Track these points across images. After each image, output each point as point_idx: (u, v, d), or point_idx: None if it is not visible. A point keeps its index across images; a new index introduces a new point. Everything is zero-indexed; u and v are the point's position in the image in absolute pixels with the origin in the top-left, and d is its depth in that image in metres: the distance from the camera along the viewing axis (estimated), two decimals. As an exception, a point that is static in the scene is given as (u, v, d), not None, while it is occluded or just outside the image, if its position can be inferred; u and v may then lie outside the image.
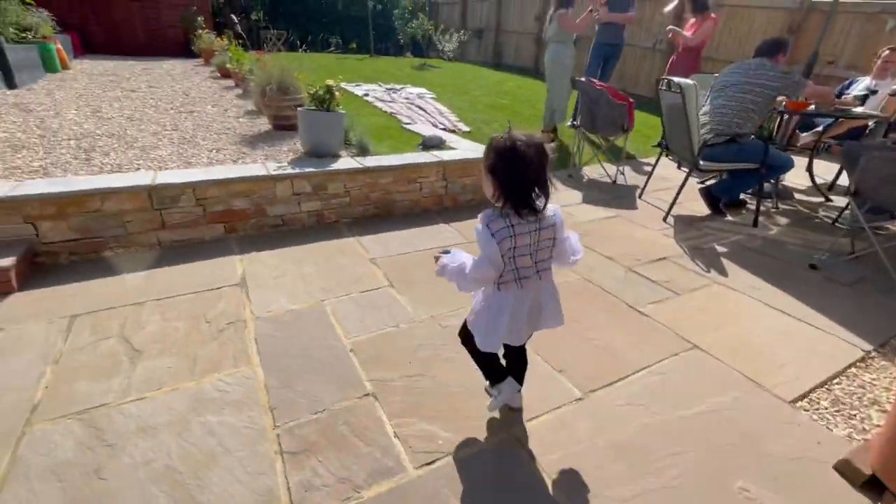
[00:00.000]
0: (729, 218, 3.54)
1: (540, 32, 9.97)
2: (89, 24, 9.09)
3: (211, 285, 2.23)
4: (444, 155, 3.50)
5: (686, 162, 3.36)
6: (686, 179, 3.30)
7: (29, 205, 2.27)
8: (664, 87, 3.36)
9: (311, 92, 3.20)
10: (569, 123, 6.04)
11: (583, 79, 4.30)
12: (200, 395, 1.56)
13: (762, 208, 3.50)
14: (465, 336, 1.47)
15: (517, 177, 1.19)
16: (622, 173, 4.46)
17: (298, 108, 3.27)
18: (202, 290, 2.18)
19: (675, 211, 3.46)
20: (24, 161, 2.94)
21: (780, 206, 3.89)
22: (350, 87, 7.00)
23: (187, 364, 1.70)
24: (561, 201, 3.72)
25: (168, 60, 8.86)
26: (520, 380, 1.54)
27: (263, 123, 4.31)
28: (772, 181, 3.75)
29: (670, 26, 5.41)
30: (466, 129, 5.53)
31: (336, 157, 3.36)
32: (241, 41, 11.99)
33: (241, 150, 3.47)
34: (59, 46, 6.59)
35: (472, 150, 3.75)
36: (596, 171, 4.69)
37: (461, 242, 2.89)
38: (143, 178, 2.58)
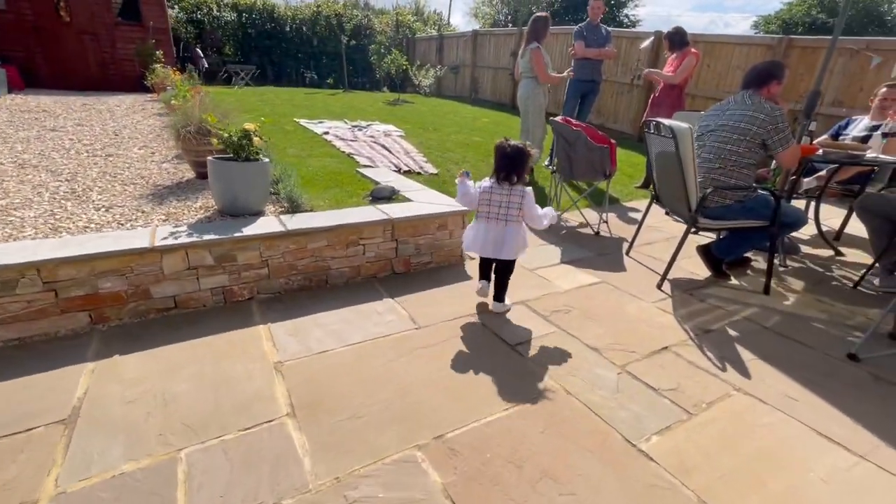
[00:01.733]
0: (734, 281, 2.98)
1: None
2: (35, 58, 8.49)
3: (21, 422, 1.52)
4: (395, 210, 2.90)
5: (683, 218, 2.81)
6: (683, 240, 2.74)
7: None
8: (652, 131, 2.85)
9: (225, 136, 2.59)
10: (545, 164, 5.57)
11: (558, 118, 3.80)
12: None
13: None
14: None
15: (502, 162, 2.21)
16: (605, 221, 3.92)
17: (208, 158, 2.64)
18: (2, 433, 1.47)
19: (671, 272, 2.89)
20: None
21: (788, 262, 3.37)
22: (310, 125, 6.46)
23: None
24: (534, 261, 3.13)
25: (119, 96, 8.25)
26: (498, 296, 2.40)
27: (188, 170, 3.68)
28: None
29: (647, 69, 5.06)
30: (433, 170, 4.99)
31: (258, 214, 2.73)
32: (200, 75, 11.55)
33: (142, 207, 2.81)
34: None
35: (432, 201, 3.16)
36: (576, 217, 4.15)
37: (408, 330, 2.24)
38: (-37, 256, 1.89)
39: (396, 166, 4.93)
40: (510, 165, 2.19)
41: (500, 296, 2.39)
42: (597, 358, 2.06)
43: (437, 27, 18.07)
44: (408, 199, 3.23)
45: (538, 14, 4.54)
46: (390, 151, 5.49)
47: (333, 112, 8.10)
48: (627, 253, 3.40)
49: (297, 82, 15.36)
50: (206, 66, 11.73)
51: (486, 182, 2.26)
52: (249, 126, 2.61)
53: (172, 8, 13.36)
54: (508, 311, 2.43)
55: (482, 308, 2.48)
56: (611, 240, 3.71)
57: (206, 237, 2.27)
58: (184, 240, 2.23)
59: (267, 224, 2.50)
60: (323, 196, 3.29)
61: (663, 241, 3.73)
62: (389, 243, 2.83)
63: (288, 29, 14.90)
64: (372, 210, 2.87)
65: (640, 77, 7.95)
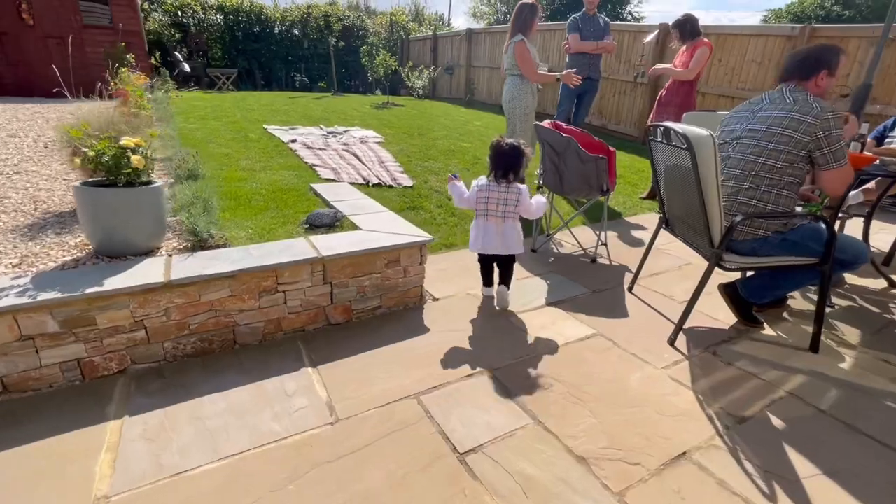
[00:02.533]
0: (768, 331, 2.31)
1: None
2: (-6, 65, 7.98)
3: None
4: (332, 243, 2.26)
5: (702, 253, 2.15)
6: (703, 285, 2.08)
7: None
8: (659, 139, 2.20)
9: (91, 154, 1.96)
10: (538, 173, 4.92)
11: (545, 123, 3.15)
12: None
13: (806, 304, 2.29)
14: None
15: (499, 161, 2.26)
16: (604, 244, 3.26)
17: (73, 184, 2.02)
18: None
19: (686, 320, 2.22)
20: None
21: (833, 299, 2.69)
22: (279, 131, 5.86)
23: None
24: (514, 302, 2.48)
25: (79, 102, 7.72)
26: (506, 282, 2.45)
27: (101, 190, 3.07)
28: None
29: (657, 65, 4.35)
30: (408, 182, 4.37)
31: (147, 254, 2.11)
32: (179, 80, 11.02)
33: (1, 243, 2.20)
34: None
35: (386, 229, 2.52)
36: (569, 239, 3.49)
37: (318, 427, 1.60)
38: None
39: (365, 178, 4.30)
40: (507, 164, 2.25)
41: (506, 280, 2.46)
42: (582, 478, 1.41)
43: (432, 27, 17.47)
44: (355, 227, 2.60)
45: (524, 1, 3.90)
46: (361, 161, 4.86)
47: (312, 117, 7.50)
48: (630, 288, 2.74)
49: (288, 86, 14.82)
50: (188, 70, 11.18)
51: (483, 180, 2.31)
52: (128, 141, 1.98)
53: (156, 11, 12.88)
54: (507, 306, 2.47)
55: (431, 378, 1.84)
56: (610, 269, 3.05)
57: (45, 296, 1.64)
58: (10, 300, 1.61)
59: (145, 272, 1.88)
60: (249, 223, 2.66)
61: (674, 270, 3.06)
62: (321, 288, 2.20)
63: (277, 31, 14.35)
64: (301, 245, 2.24)
65: (644, 74, 7.27)
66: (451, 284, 2.70)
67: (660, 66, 4.23)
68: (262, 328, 2.11)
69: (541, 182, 3.26)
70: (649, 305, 2.55)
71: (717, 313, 2.43)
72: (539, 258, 3.19)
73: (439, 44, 13.54)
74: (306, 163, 4.56)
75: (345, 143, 5.56)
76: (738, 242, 2.01)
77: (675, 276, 2.97)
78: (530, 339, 2.17)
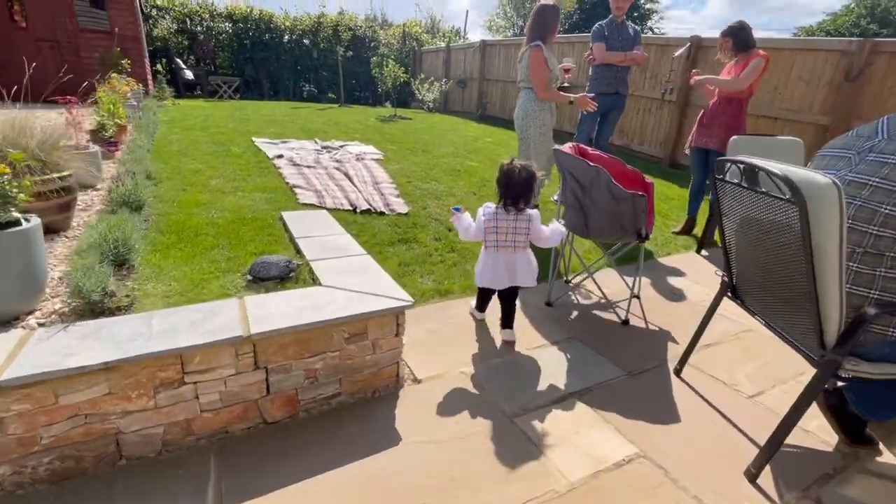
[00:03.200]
0: (888, 457, 1.61)
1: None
2: (-14, 68, 7.63)
3: None
4: (270, 310, 1.64)
5: (802, 351, 1.47)
6: (808, 401, 1.39)
7: None
8: (739, 181, 1.53)
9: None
10: (553, 198, 4.27)
11: (566, 148, 2.52)
12: None
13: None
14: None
15: (510, 189, 1.99)
16: (637, 296, 2.60)
17: None
18: None
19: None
20: None
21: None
22: (267, 145, 5.32)
23: None
24: (521, 393, 1.83)
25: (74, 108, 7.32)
26: (508, 323, 2.20)
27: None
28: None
29: (696, 74, 3.66)
30: (403, 209, 3.76)
31: (8, 323, 1.51)
32: (176, 87, 10.66)
33: None
34: None
35: (352, 287, 1.89)
36: (591, 286, 2.83)
37: None
38: None
39: (352, 203, 3.70)
40: (519, 191, 2.01)
41: (509, 322, 2.22)
42: None
43: (446, 40, 17.09)
44: (314, 280, 1.97)
45: (545, 2, 3.30)
46: (352, 181, 4.27)
47: (311, 130, 6.99)
48: (679, 371, 2.06)
49: (296, 96, 14.47)
50: (189, 77, 10.84)
51: (491, 208, 2.09)
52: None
53: (164, 17, 12.65)
54: (514, 339, 2.21)
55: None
56: (647, 336, 2.38)
57: None
58: None
59: (-24, 360, 1.27)
60: (180, 271, 2.04)
61: (731, 339, 2.37)
62: (250, 375, 1.57)
63: (286, 39, 14.05)
64: (228, 312, 1.61)
65: (673, 91, 6.63)
66: (441, 356, 2.06)
67: (705, 77, 3.56)
68: (160, 435, 1.48)
69: (561, 223, 2.61)
70: (707, 402, 1.87)
71: (808, 423, 1.74)
72: (556, 315, 2.53)
73: (452, 56, 13.07)
74: (287, 183, 3.98)
75: (338, 160, 4.99)
76: (866, 345, 1.34)
77: (734, 349, 2.28)
78: (544, 463, 1.51)
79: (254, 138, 5.67)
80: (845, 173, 1.41)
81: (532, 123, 3.36)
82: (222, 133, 5.93)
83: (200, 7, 12.89)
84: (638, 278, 2.58)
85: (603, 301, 2.70)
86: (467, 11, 63.57)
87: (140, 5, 9.36)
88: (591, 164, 2.26)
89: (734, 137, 3.37)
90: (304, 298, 1.74)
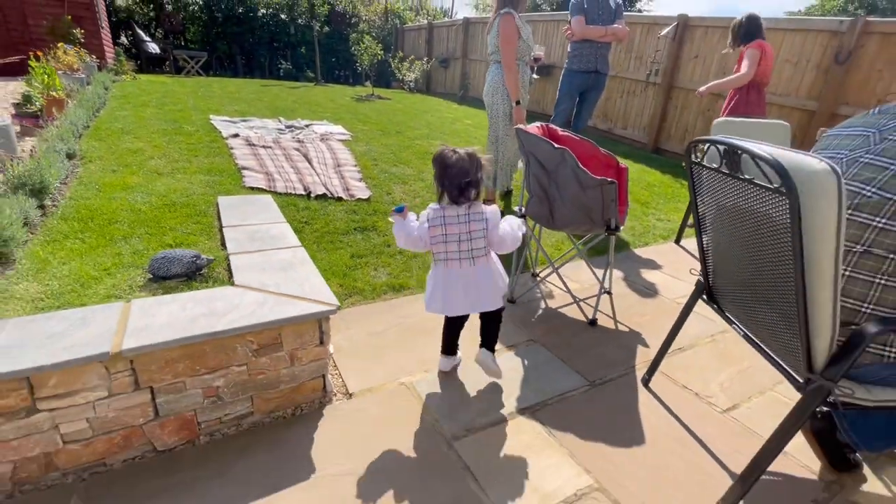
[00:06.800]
0: (872, 486, 1.41)
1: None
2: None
3: None
4: (157, 319, 1.35)
5: (786, 373, 1.24)
6: (791, 431, 1.17)
7: None
8: (718, 166, 1.28)
9: None
10: (517, 208, 4.02)
11: (531, 128, 2.24)
12: None
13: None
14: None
15: (448, 176, 1.54)
16: (608, 292, 2.37)
17: None
18: None
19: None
20: None
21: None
22: (224, 124, 4.93)
23: None
24: (466, 409, 1.59)
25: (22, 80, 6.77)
26: (489, 345, 1.74)
27: None
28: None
29: (710, 86, 3.65)
30: (364, 194, 3.46)
31: None
32: (137, 60, 10.04)
33: None
34: None
35: (273, 288, 1.61)
36: (556, 284, 2.59)
37: None
38: None
39: (307, 188, 3.39)
40: (461, 177, 1.55)
41: (490, 345, 1.78)
42: None
43: (429, 17, 16.45)
44: (228, 279, 1.68)
45: (515, -33, 2.98)
46: (311, 163, 3.94)
47: (277, 108, 6.57)
48: (647, 382, 1.84)
49: (272, 74, 13.84)
50: (153, 50, 10.19)
51: (434, 209, 1.60)
52: None
53: (128, -14, 11.86)
54: (500, 376, 1.78)
55: None
56: (615, 337, 2.15)
57: None
58: None
59: None
60: (69, 266, 1.73)
61: (706, 343, 2.16)
62: (130, 396, 1.29)
63: (261, 14, 13.33)
64: (103, 320, 1.32)
65: (658, 73, 6.36)
66: (382, 364, 1.81)
67: (713, 84, 3.61)
68: (8, 474, 1.20)
69: (523, 210, 2.35)
70: (677, 418, 1.65)
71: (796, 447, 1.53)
72: (518, 314, 2.29)
73: (434, 34, 12.57)
74: (237, 164, 3.64)
75: (299, 141, 4.63)
76: (863, 366, 1.11)
77: (708, 354, 2.07)
78: (482, 498, 1.27)
79: (211, 116, 5.27)
80: (860, 154, 1.16)
81: (501, 101, 3.07)
82: (179, 111, 5.50)
83: (167, -26, 12.13)
84: (609, 272, 2.34)
85: (568, 300, 2.46)
86: (456, -10, 61.82)
87: (96, -30, 8.68)
88: (557, 146, 1.99)
89: (716, 120, 3.16)
90: (204, 303, 1.45)
